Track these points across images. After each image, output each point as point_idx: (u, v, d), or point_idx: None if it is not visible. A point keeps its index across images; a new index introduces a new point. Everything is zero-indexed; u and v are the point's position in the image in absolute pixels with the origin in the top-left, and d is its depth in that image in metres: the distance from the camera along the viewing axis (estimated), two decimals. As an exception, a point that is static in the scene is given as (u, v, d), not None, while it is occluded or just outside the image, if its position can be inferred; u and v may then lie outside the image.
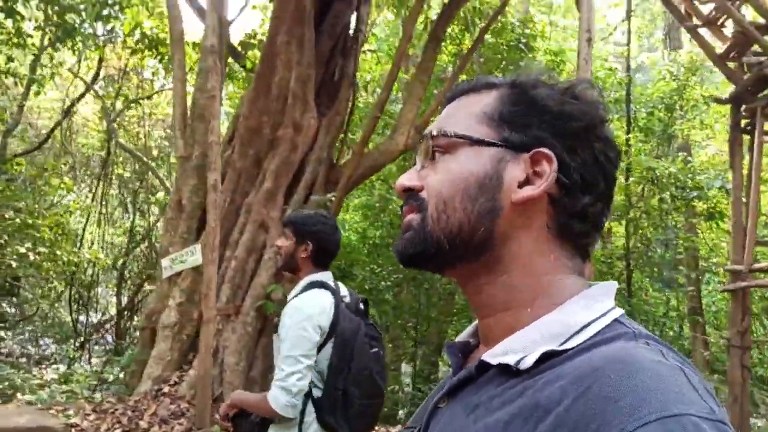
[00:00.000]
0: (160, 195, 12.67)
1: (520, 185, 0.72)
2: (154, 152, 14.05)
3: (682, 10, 7.15)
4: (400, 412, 9.59)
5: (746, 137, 7.15)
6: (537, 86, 0.76)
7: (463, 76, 8.66)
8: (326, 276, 2.57)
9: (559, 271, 0.72)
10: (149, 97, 13.58)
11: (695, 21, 6.97)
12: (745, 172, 7.08)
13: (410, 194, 0.78)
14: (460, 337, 0.84)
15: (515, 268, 0.72)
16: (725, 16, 6.70)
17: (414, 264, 0.78)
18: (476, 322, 0.81)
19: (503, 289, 0.73)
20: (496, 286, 0.73)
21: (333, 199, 7.19)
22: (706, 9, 6.89)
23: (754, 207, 6.53)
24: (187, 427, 5.77)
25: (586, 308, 0.68)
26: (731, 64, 7.00)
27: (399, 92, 10.76)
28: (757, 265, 6.43)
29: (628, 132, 10.24)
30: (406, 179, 0.79)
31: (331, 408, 2.39)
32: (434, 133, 0.77)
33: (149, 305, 7.24)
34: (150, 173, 13.15)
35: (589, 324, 0.66)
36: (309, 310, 2.38)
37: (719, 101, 7.65)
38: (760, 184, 6.87)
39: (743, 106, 6.91)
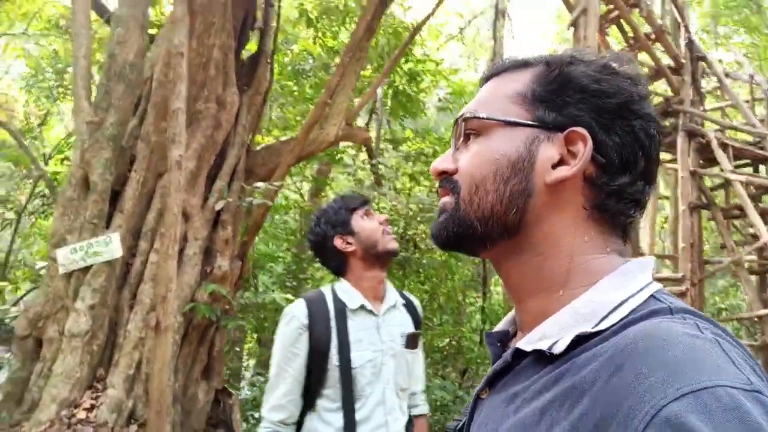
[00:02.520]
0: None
1: (554, 166, 0.71)
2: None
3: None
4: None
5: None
6: (572, 63, 0.74)
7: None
8: None
9: (595, 251, 0.71)
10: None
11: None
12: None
13: (444, 177, 0.78)
14: (499, 327, 0.84)
15: (549, 249, 0.72)
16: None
17: (449, 247, 0.78)
18: (512, 312, 0.81)
19: (536, 271, 0.72)
20: (530, 267, 0.73)
21: (277, 188, 6.40)
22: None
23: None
24: (134, 463, 4.63)
25: (620, 286, 0.67)
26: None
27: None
28: None
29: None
30: (441, 162, 0.79)
31: None
32: (467, 115, 0.77)
33: (30, 307, 5.64)
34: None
35: (623, 302, 0.65)
36: None
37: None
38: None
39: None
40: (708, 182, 7.56)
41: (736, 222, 7.82)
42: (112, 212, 5.86)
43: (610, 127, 0.71)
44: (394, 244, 2.37)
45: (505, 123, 0.74)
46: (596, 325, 0.64)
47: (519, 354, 0.70)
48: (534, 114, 0.73)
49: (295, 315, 2.23)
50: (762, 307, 6.57)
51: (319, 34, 10.58)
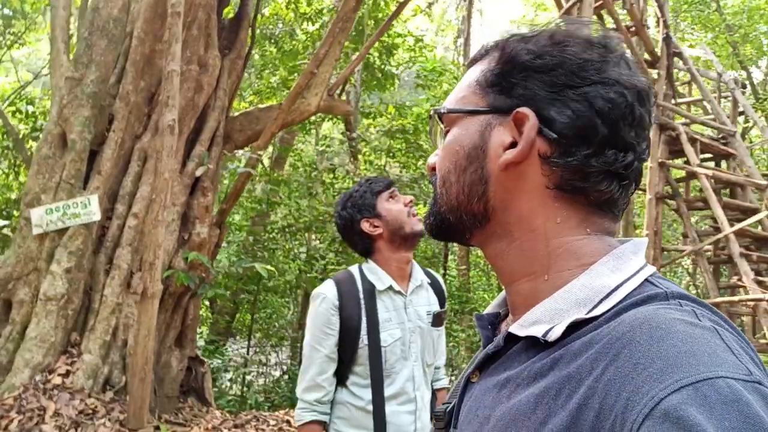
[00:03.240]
0: None
1: (506, 149, 0.71)
2: None
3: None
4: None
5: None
6: (515, 43, 0.73)
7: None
8: None
9: (571, 232, 0.69)
10: None
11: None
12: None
13: (432, 173, 0.81)
14: (489, 309, 0.84)
15: (523, 233, 0.71)
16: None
17: (438, 237, 0.81)
18: (503, 293, 0.81)
19: (517, 256, 0.72)
20: (510, 252, 0.73)
21: (259, 157, 6.28)
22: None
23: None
24: (115, 430, 4.55)
25: (614, 270, 0.66)
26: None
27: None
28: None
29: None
30: (431, 158, 0.82)
31: None
32: (438, 111, 0.79)
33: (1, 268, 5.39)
34: None
35: (618, 287, 0.64)
36: None
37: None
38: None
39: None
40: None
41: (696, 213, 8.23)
42: (88, 173, 5.65)
43: (559, 100, 0.68)
44: (420, 226, 2.39)
45: (465, 113, 0.75)
46: (590, 310, 0.63)
47: (511, 338, 0.69)
48: (486, 100, 0.73)
49: (326, 296, 2.25)
50: (717, 294, 6.97)
51: (293, -1, 10.35)
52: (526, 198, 0.70)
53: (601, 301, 0.63)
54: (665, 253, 7.99)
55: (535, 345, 0.65)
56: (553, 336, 0.63)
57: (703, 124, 8.05)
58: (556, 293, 0.67)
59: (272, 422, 6.10)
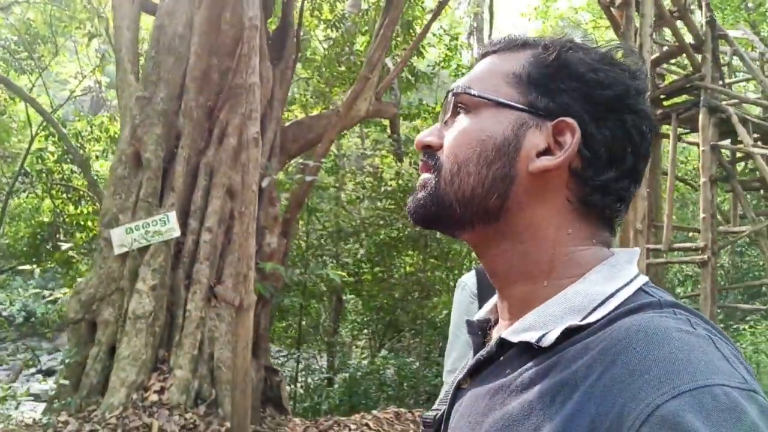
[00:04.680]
0: None
1: (539, 154, 0.69)
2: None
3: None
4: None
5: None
6: (571, 49, 0.71)
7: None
8: None
9: (579, 243, 0.69)
10: None
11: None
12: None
13: (428, 152, 0.75)
14: (480, 315, 0.82)
15: (531, 238, 0.70)
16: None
17: (425, 224, 0.76)
18: (494, 298, 0.79)
19: (517, 259, 0.70)
20: (512, 255, 0.71)
21: (320, 165, 6.32)
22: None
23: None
24: (221, 443, 4.59)
25: (609, 278, 0.66)
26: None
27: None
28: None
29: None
30: (426, 135, 0.76)
31: None
32: (458, 90, 0.74)
33: (82, 290, 5.44)
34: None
35: (612, 295, 0.64)
36: None
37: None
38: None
39: (658, 111, 8.06)
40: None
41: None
42: (161, 190, 5.70)
43: (601, 120, 0.68)
44: None
45: (495, 103, 0.71)
46: (585, 317, 0.63)
47: (503, 344, 0.68)
48: (526, 98, 0.70)
49: (467, 284, 2.33)
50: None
51: (316, 4, 10.38)
52: (545, 205, 0.69)
53: (595, 309, 0.63)
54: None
55: (529, 351, 0.64)
56: (547, 342, 0.63)
57: (755, 104, 8.05)
58: (551, 300, 0.66)
59: (353, 426, 6.13)
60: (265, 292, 5.70)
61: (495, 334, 0.75)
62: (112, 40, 7.45)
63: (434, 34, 9.42)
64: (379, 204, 9.10)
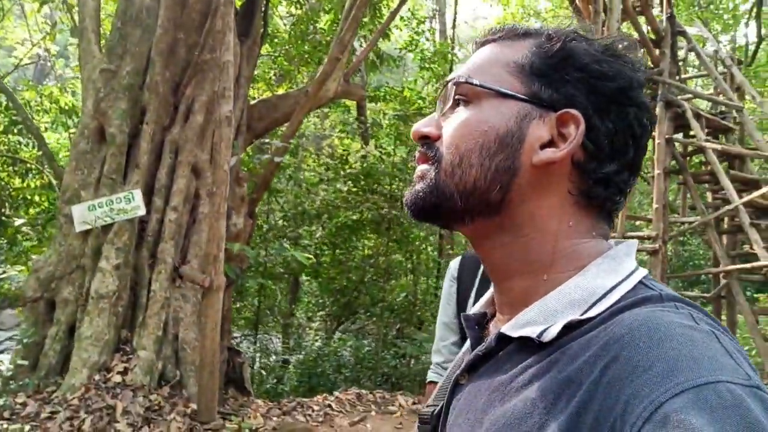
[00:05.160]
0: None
1: (543, 146, 0.68)
2: None
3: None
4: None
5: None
6: (575, 39, 0.71)
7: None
8: None
9: (580, 235, 0.69)
10: None
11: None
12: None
13: (426, 142, 0.73)
14: (476, 309, 0.81)
15: (532, 231, 0.69)
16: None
17: (423, 218, 0.75)
18: (490, 291, 0.79)
19: (520, 252, 0.70)
20: (513, 248, 0.70)
21: (288, 145, 6.25)
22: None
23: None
24: (188, 425, 4.55)
25: (609, 271, 0.65)
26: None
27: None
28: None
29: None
30: (424, 125, 0.74)
31: None
32: (459, 80, 0.72)
33: (40, 267, 5.25)
34: None
35: (612, 289, 0.64)
36: None
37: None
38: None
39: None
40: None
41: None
42: (125, 167, 5.54)
43: (604, 111, 0.68)
44: None
45: (498, 93, 0.69)
46: (585, 311, 0.62)
47: (503, 338, 0.67)
48: (530, 88, 0.69)
49: (450, 267, 2.40)
50: (729, 262, 7.37)
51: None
52: (548, 198, 0.69)
53: (596, 303, 0.63)
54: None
55: (529, 346, 0.64)
56: (548, 337, 0.62)
57: (710, 100, 8.38)
58: (550, 294, 0.66)
59: (315, 407, 6.17)
60: (231, 274, 5.63)
61: (493, 328, 0.75)
62: (70, 9, 7.14)
63: (402, 17, 9.39)
64: (342, 186, 9.07)
